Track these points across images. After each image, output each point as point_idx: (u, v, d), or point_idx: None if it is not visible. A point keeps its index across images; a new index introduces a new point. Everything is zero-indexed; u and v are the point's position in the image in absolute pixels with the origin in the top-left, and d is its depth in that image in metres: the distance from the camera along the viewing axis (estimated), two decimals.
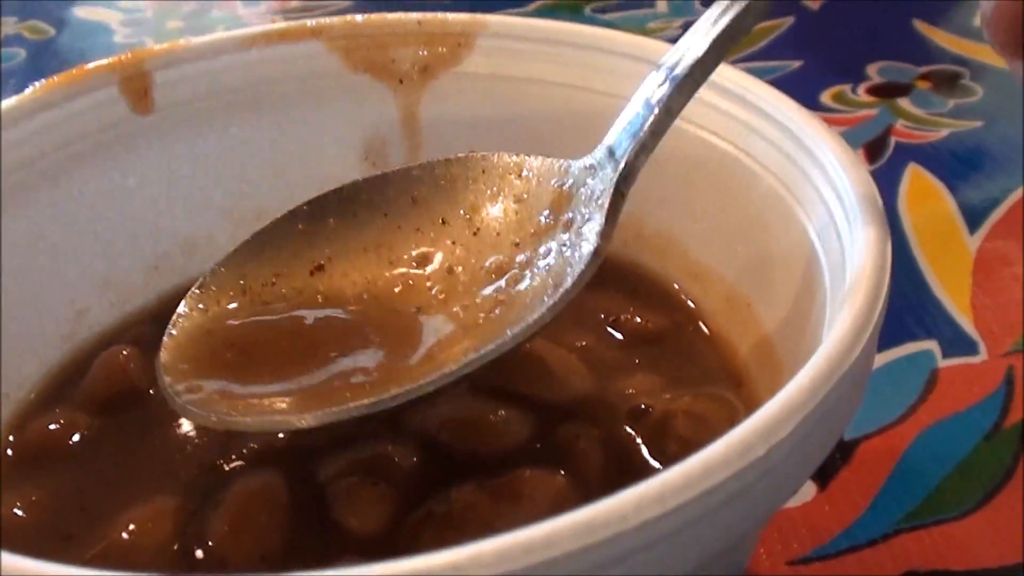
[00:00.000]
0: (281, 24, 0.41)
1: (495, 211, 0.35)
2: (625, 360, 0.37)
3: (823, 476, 0.42)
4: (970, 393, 0.46)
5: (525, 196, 0.35)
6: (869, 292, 0.27)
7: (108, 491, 0.34)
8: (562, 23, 0.41)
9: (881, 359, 0.48)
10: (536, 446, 0.32)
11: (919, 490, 0.42)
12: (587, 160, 0.34)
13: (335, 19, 0.42)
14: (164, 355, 0.33)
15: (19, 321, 0.37)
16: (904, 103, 0.69)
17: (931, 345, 0.49)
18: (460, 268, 0.35)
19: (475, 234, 0.35)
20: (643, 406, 0.34)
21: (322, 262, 0.36)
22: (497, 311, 0.33)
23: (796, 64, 0.74)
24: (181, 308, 0.34)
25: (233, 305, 0.34)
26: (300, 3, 0.88)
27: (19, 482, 0.34)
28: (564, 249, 0.33)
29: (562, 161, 0.35)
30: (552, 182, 0.35)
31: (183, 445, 0.35)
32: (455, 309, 0.33)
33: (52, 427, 0.36)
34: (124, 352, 0.38)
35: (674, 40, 0.36)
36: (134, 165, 0.40)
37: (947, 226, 0.57)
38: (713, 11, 0.32)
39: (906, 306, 0.51)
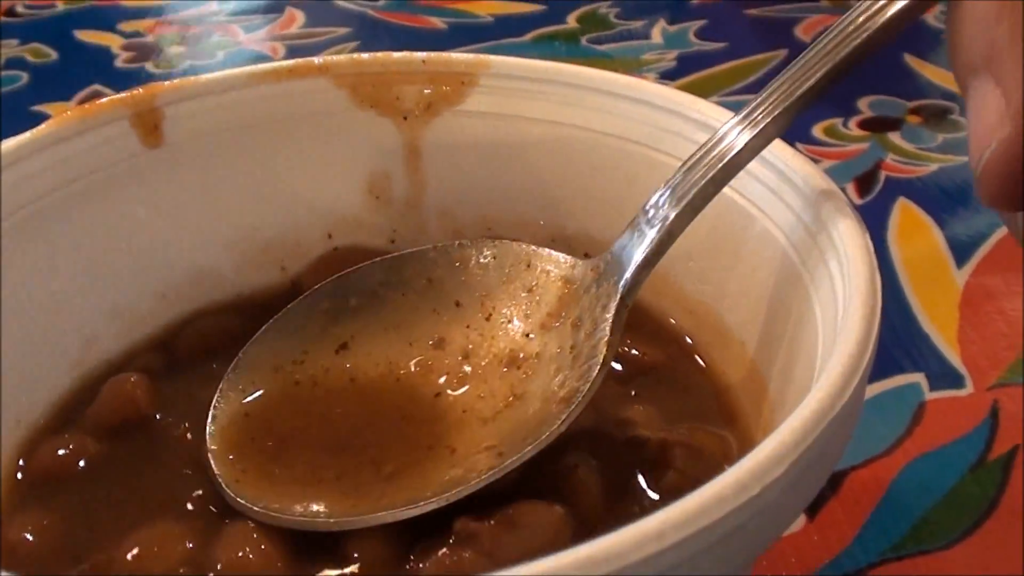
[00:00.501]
0: (289, 61, 0.43)
1: (506, 298, 0.37)
2: (622, 391, 0.38)
3: (812, 506, 0.43)
4: (956, 426, 0.47)
5: (534, 286, 0.37)
6: (859, 337, 0.28)
7: (116, 515, 0.35)
8: (562, 64, 0.42)
9: (870, 391, 0.49)
10: (535, 475, 0.33)
11: (905, 521, 0.43)
12: (593, 262, 0.36)
13: (342, 57, 0.43)
14: (211, 443, 0.35)
15: (31, 349, 0.38)
16: (894, 137, 0.70)
17: (918, 378, 0.50)
18: (475, 353, 0.36)
19: (488, 319, 0.37)
20: (640, 437, 0.35)
21: (346, 340, 0.37)
22: (513, 404, 0.34)
23: None
24: (221, 388, 0.36)
25: (266, 386, 0.36)
26: (300, 30, 0.89)
27: (29, 506, 0.35)
28: (574, 352, 0.34)
29: (568, 257, 0.37)
30: (559, 277, 0.36)
31: (190, 470, 0.36)
32: (472, 397, 0.35)
33: (61, 452, 0.37)
34: (131, 379, 0.39)
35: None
36: (144, 197, 0.41)
37: (935, 260, 0.58)
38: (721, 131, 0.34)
39: (894, 339, 0.52)
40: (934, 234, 0.60)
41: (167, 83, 0.41)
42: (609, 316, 0.34)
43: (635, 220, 0.35)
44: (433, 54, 0.43)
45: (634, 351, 0.39)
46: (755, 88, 0.76)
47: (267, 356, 0.37)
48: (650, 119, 0.40)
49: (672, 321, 0.41)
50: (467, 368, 0.36)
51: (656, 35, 0.85)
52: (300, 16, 0.92)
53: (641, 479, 0.34)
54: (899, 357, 0.51)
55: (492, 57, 0.43)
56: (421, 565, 0.31)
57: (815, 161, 0.65)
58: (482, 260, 0.38)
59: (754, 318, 0.37)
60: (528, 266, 0.37)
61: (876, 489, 0.44)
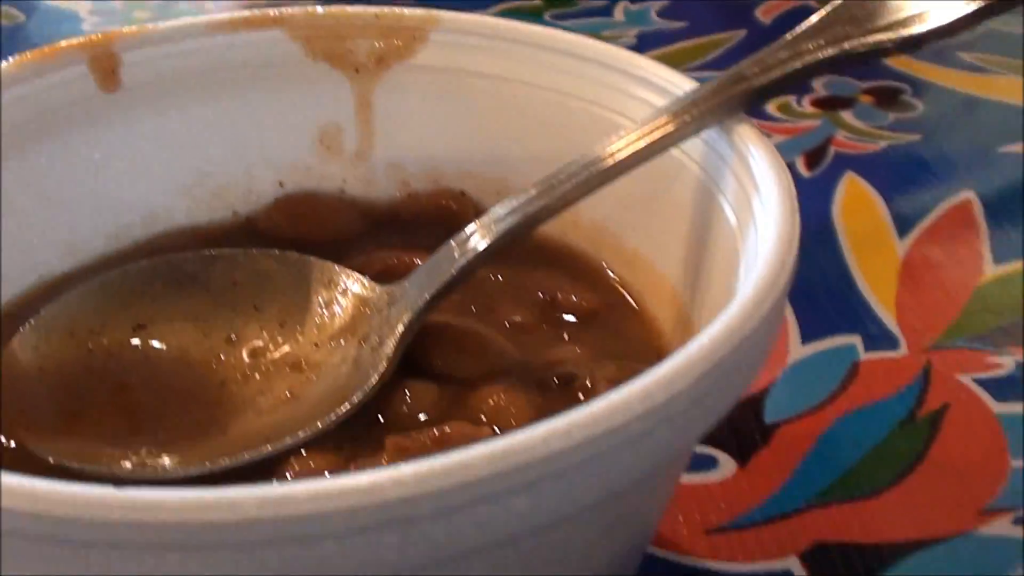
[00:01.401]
0: (245, 12, 0.44)
1: (303, 309, 0.38)
2: (555, 334, 0.39)
3: (743, 455, 0.44)
4: (889, 384, 0.49)
5: (331, 302, 0.38)
6: (773, 261, 0.29)
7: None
8: (510, 21, 0.43)
9: (806, 351, 0.50)
10: (464, 402, 0.35)
11: (834, 470, 0.44)
12: (391, 288, 0.37)
13: (297, 9, 0.44)
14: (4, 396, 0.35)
15: None
16: (846, 115, 0.72)
17: (854, 339, 0.51)
18: (263, 353, 0.38)
19: (281, 325, 0.38)
20: (568, 373, 0.36)
21: (145, 321, 0.38)
22: (289, 402, 0.36)
23: None
24: (11, 344, 0.37)
25: (60, 349, 0.37)
26: (266, 0, 0.90)
27: None
28: (356, 364, 0.36)
29: (370, 281, 0.38)
30: (356, 297, 0.38)
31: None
32: (254, 391, 0.36)
33: None
34: None
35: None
36: (100, 140, 0.42)
37: (878, 231, 0.60)
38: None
39: (832, 303, 0.53)
40: (879, 207, 0.62)
41: (125, 29, 0.42)
42: (396, 335, 0.36)
43: (441, 250, 0.37)
44: (386, 8, 0.44)
45: (572, 297, 0.40)
46: (713, 66, 0.78)
47: (64, 321, 0.38)
48: (594, 76, 0.41)
49: (608, 270, 0.42)
50: (254, 365, 0.37)
51: (618, 13, 0.86)
52: None
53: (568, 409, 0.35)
54: (836, 320, 0.52)
55: (442, 13, 0.44)
56: None
57: (767, 136, 0.67)
58: (288, 272, 0.39)
59: (687, 265, 0.38)
60: (330, 283, 0.39)
61: (807, 441, 0.45)
